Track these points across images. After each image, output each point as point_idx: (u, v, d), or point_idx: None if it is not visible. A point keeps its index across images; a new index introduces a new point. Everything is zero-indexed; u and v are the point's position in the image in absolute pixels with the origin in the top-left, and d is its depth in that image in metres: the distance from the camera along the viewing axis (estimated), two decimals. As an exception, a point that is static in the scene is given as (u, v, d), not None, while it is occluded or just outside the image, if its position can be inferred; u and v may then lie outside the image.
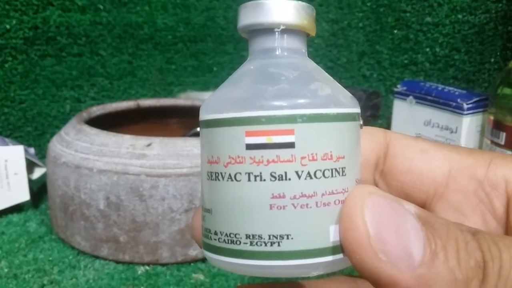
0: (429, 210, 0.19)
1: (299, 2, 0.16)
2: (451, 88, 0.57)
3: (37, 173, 0.54)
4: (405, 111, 0.61)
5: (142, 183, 0.38)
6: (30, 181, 0.52)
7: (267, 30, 0.17)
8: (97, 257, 0.41)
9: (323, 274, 0.16)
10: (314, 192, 0.15)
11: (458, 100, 0.54)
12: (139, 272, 0.40)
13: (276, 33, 0.16)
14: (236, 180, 0.15)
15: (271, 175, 0.15)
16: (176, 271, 0.40)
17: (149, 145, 0.40)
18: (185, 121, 0.59)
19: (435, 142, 0.19)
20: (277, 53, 0.17)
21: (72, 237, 0.42)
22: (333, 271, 0.16)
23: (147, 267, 0.40)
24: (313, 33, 0.17)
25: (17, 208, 0.50)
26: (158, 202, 0.38)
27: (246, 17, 0.17)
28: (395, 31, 0.70)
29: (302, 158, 0.15)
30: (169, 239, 0.39)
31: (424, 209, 0.19)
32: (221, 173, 0.15)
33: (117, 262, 0.41)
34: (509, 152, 0.48)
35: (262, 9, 0.16)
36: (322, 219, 0.15)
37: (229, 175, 0.15)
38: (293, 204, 0.15)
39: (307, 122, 0.15)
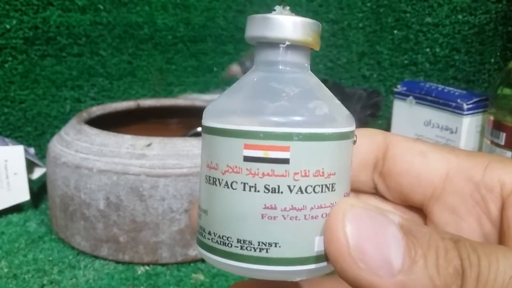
0: (426, 212, 0.19)
1: (305, 18, 0.17)
2: (451, 89, 0.57)
3: (37, 173, 0.54)
4: (405, 112, 0.61)
5: (142, 183, 0.38)
6: (30, 181, 0.52)
7: (272, 44, 0.17)
8: (97, 257, 0.41)
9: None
10: (303, 206, 0.16)
11: (458, 100, 0.54)
12: (139, 272, 0.40)
13: (281, 48, 0.17)
14: (232, 188, 0.16)
15: (265, 187, 0.15)
16: (176, 271, 0.40)
17: (149, 145, 0.40)
18: (185, 121, 0.59)
19: (434, 144, 0.19)
20: (281, 67, 0.17)
21: (72, 237, 0.42)
22: (316, 277, 0.17)
23: (147, 267, 0.40)
24: (317, 48, 0.18)
25: (17, 208, 0.50)
26: (158, 202, 0.38)
27: (254, 29, 0.17)
28: (395, 32, 0.70)
29: (295, 173, 0.15)
30: (169, 239, 0.39)
31: (417, 213, 0.20)
32: (218, 179, 0.16)
33: (117, 262, 0.41)
34: (509, 153, 0.48)
35: (269, 24, 0.17)
36: (308, 230, 0.16)
37: (226, 182, 0.16)
38: (283, 216, 0.15)
39: (303, 141, 0.15)
